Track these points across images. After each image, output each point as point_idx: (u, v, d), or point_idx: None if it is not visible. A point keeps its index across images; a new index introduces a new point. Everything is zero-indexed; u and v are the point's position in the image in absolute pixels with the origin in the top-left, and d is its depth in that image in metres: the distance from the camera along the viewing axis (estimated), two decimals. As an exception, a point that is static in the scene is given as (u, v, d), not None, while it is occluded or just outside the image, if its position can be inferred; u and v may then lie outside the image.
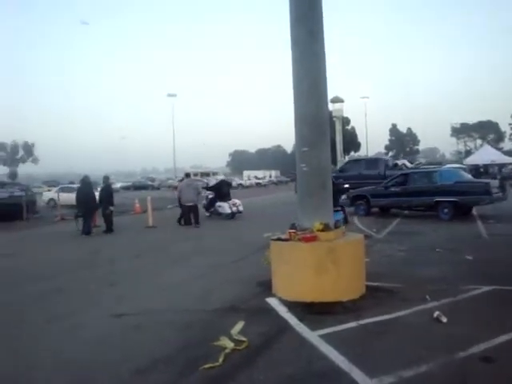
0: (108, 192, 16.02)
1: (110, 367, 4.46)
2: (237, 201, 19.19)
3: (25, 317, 6.24)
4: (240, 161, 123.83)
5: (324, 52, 6.88)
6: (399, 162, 25.72)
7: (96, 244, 13.24)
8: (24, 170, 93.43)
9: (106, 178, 17.01)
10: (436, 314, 5.33)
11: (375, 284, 6.76)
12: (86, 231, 14.85)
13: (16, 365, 4.63)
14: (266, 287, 6.77)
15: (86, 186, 15.74)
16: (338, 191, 14.71)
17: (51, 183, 69.74)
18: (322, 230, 6.36)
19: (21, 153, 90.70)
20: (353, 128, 69.78)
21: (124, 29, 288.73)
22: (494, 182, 17.02)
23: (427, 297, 6.11)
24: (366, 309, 5.77)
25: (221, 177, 69.71)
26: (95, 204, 15.43)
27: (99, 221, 16.12)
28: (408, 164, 25.61)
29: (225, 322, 5.47)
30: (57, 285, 8.03)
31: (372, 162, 23.74)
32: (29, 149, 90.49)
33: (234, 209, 18.50)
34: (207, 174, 65.27)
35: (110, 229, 15.45)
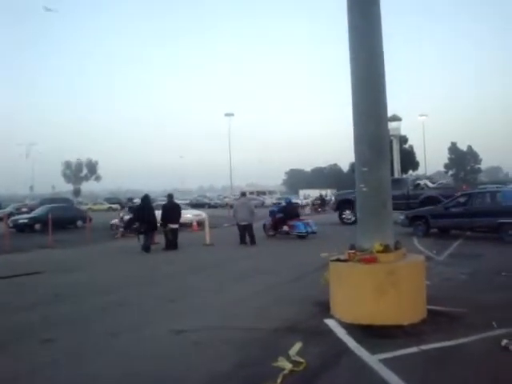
0: (170, 209, 16.43)
1: (170, 382, 4.54)
2: (310, 221, 19.33)
3: (88, 329, 6.45)
4: (296, 179, 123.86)
5: (384, 71, 6.87)
6: (421, 182, 25.44)
7: (156, 260, 13.57)
8: (87, 187, 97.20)
9: (170, 196, 17.46)
10: (504, 342, 5.10)
11: (437, 308, 6.56)
12: (146, 247, 15.25)
13: (80, 376, 4.78)
14: (324, 308, 6.72)
15: (146, 203, 16.22)
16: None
17: (112, 200, 72.40)
18: (382, 252, 6.27)
19: (84, 171, 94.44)
20: (411, 147, 68.30)
21: (185, 51, 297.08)
22: None
23: (494, 324, 5.86)
24: (428, 334, 5.60)
25: (277, 195, 69.89)
26: (155, 221, 15.85)
27: (158, 238, 16.50)
28: (429, 184, 25.28)
29: (282, 342, 5.44)
30: (118, 299, 8.28)
31: (396, 182, 23.42)
32: (92, 167, 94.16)
33: (309, 229, 18.49)
34: (263, 193, 65.61)
35: (170, 245, 15.81)
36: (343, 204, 25.56)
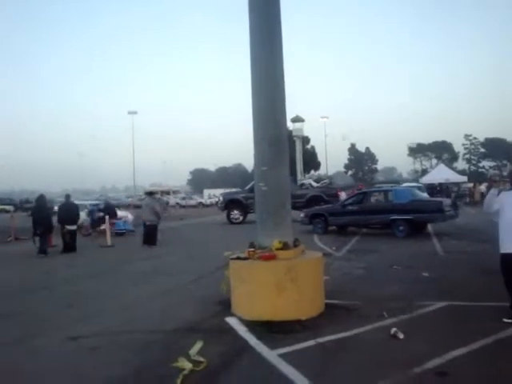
0: (67, 210, 15.68)
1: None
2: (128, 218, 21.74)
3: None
4: (200, 179, 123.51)
5: (283, 72, 7.03)
6: (305, 182, 26.58)
7: (53, 264, 12.88)
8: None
9: (68, 197, 16.70)
10: (393, 330, 5.43)
11: (334, 302, 6.84)
12: (42, 250, 14.45)
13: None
14: (226, 307, 6.75)
15: (41, 204, 15.38)
16: None
17: (5, 201, 67.74)
18: (281, 249, 6.41)
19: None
20: (313, 147, 70.65)
21: (88, 43, 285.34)
22: (447, 201, 17.62)
23: (384, 314, 6.22)
24: (325, 327, 5.82)
25: (181, 195, 69.31)
26: (50, 223, 15.06)
27: (56, 240, 15.72)
28: (314, 183, 26.51)
29: (183, 343, 5.40)
30: (9, 307, 7.75)
31: None
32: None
33: (127, 227, 20.84)
34: (167, 193, 64.76)
35: (68, 248, 15.09)
36: (231, 204, 25.76)
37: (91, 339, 5.80)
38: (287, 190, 7.09)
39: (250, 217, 24.72)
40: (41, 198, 15.64)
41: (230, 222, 25.13)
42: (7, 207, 58.82)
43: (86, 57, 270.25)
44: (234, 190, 35.31)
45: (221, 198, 27.54)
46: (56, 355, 5.35)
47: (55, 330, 6.28)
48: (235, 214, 25.22)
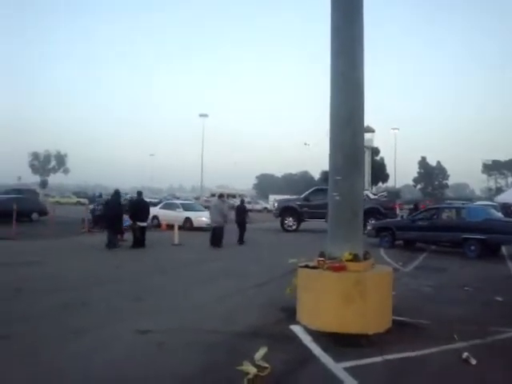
0: (139, 207, 16.26)
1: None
2: None
3: (48, 327, 6.29)
4: (266, 184, 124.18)
5: (363, 81, 6.93)
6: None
7: (122, 258, 13.38)
8: (55, 179, 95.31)
9: (139, 194, 17.30)
10: (465, 355, 5.19)
11: (402, 319, 6.64)
12: (112, 244, 15.03)
13: (35, 374, 4.65)
14: (291, 314, 6.72)
15: (115, 199, 16.02)
16: None
17: (81, 194, 71.13)
18: (351, 260, 6.31)
19: (53, 163, 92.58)
20: (382, 159, 69.27)
21: (161, 45, 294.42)
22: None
23: (455, 336, 5.97)
24: (392, 344, 5.67)
25: (247, 199, 69.85)
26: (121, 218, 15.65)
27: (127, 235, 16.30)
28: (371, 195, 25.71)
29: (247, 347, 5.42)
30: (81, 296, 8.10)
31: None
32: (61, 159, 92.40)
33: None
34: (233, 196, 65.41)
35: (137, 243, 15.61)
36: (285, 211, 25.46)
37: (159, 334, 5.95)
38: (360, 200, 6.98)
39: (303, 225, 24.59)
40: (116, 194, 16.28)
41: (284, 229, 24.86)
42: (82, 200, 61.81)
43: (162, 59, 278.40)
44: (289, 197, 35.01)
45: (275, 205, 27.48)
46: (125, 347, 5.53)
47: (124, 323, 6.48)
48: (289, 221, 24.98)
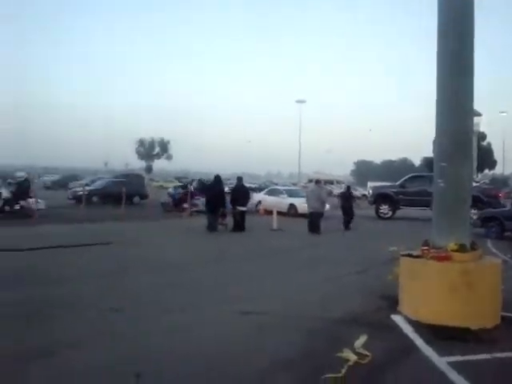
0: (239, 192, 16.66)
1: (233, 365, 4.57)
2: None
3: (153, 303, 6.65)
4: (365, 170, 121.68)
5: (473, 61, 6.50)
6: None
7: (223, 241, 13.83)
8: (158, 165, 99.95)
9: (240, 179, 17.70)
10: None
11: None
12: (212, 227, 15.56)
13: (142, 347, 4.94)
14: (391, 303, 6.57)
15: (217, 184, 16.52)
16: None
17: (182, 179, 74.08)
18: (457, 251, 6.01)
19: (157, 149, 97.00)
20: (489, 144, 65.01)
21: (257, 33, 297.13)
22: None
23: None
24: (501, 341, 5.33)
25: (345, 185, 68.88)
26: (224, 202, 16.11)
27: (227, 219, 16.78)
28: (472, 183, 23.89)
29: (347, 334, 5.39)
30: (185, 276, 8.49)
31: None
32: (164, 146, 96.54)
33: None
34: (331, 182, 64.74)
35: (237, 227, 16.02)
36: (380, 198, 24.58)
37: (259, 316, 6.09)
38: (468, 188, 6.61)
39: (398, 213, 23.76)
40: (217, 178, 16.78)
41: (379, 216, 24.06)
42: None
43: (261, 45, 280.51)
44: (384, 183, 33.90)
45: (370, 192, 26.79)
46: (226, 326, 5.72)
47: (226, 303, 6.70)
48: (384, 208, 24.08)
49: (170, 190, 25.54)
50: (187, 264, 9.80)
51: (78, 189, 28.92)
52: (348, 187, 21.06)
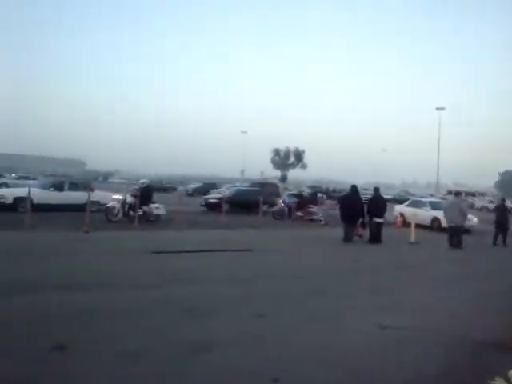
0: (376, 203, 16.37)
1: (374, 375, 4.57)
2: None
3: (292, 310, 6.78)
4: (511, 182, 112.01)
5: None
6: None
7: (358, 252, 13.69)
8: (293, 174, 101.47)
9: (377, 190, 17.43)
10: None
11: None
12: (347, 238, 15.43)
13: (284, 354, 5.03)
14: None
15: (353, 194, 16.37)
16: None
17: (316, 188, 74.55)
18: None
19: (292, 158, 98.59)
20: None
21: (396, 41, 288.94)
22: None
23: None
24: None
25: (488, 198, 64.17)
26: (361, 213, 15.90)
27: (362, 230, 16.51)
28: None
29: (492, 359, 5.07)
30: (321, 285, 8.58)
31: None
32: (299, 155, 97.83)
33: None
34: (473, 194, 60.59)
35: (374, 239, 15.75)
36: None
37: (397, 331, 5.96)
38: None
39: None
40: (353, 188, 16.62)
41: None
42: (318, 194, 64.57)
43: (398, 52, 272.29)
44: None
45: None
46: (365, 339, 5.67)
47: (363, 315, 6.68)
48: None
49: (285, 198, 25.71)
50: (325, 273, 9.94)
51: (210, 196, 30.43)
52: (503, 200, 19.62)
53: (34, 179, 34.92)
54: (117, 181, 64.04)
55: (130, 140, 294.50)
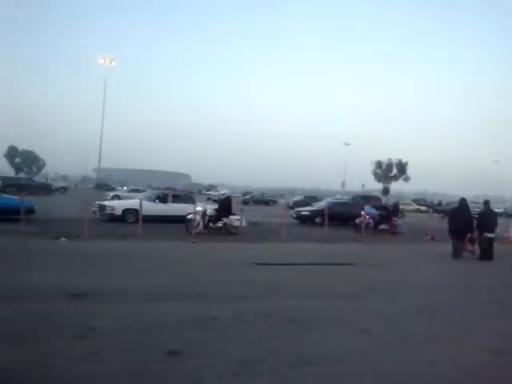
0: (486, 217, 15.45)
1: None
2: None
3: (402, 327, 6.59)
4: None
5: None
6: None
7: (469, 269, 13.02)
8: (395, 186, 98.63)
9: (487, 203, 16.41)
10: None
11: None
12: (456, 254, 14.72)
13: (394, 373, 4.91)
14: None
15: (462, 208, 15.60)
16: None
17: (419, 201, 71.94)
18: None
19: (394, 171, 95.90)
20: None
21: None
22: None
23: None
24: None
25: None
26: (470, 228, 15.09)
27: (472, 246, 15.62)
28: None
29: None
30: (432, 302, 8.24)
31: None
32: (402, 167, 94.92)
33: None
34: None
35: (484, 255, 14.83)
36: None
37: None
38: None
39: None
40: (462, 202, 15.83)
41: None
42: (422, 207, 62.43)
43: None
44: None
45: None
46: (476, 363, 5.34)
47: (476, 338, 6.31)
48: None
49: (369, 210, 24.79)
50: (434, 290, 9.53)
51: (301, 208, 30.26)
52: None
53: (143, 191, 37.09)
54: (213, 193, 66.40)
55: (233, 154, 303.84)
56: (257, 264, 11.09)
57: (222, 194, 20.51)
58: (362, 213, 23.80)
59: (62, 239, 13.74)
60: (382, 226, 23.29)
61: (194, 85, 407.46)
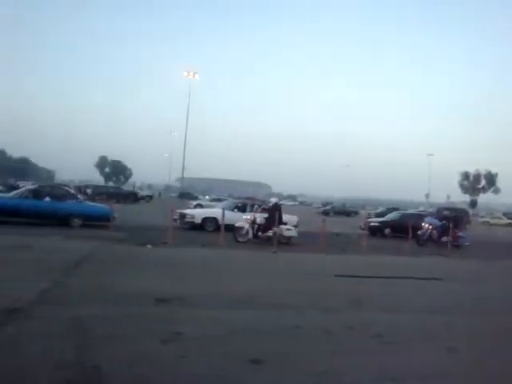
0: None
1: None
2: None
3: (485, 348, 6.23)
4: None
5: None
6: None
7: None
8: (483, 199, 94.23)
9: None
10: None
11: None
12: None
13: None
14: None
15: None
16: None
17: (510, 215, 67.80)
18: None
19: (483, 182, 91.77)
20: None
21: None
22: None
23: None
24: None
25: None
26: None
27: None
28: None
29: None
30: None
31: None
32: (491, 178, 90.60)
33: None
34: None
35: None
36: None
37: None
38: None
39: None
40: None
41: None
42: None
43: None
44: None
45: None
46: None
47: None
48: None
49: (431, 221, 23.56)
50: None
51: (372, 219, 29.41)
52: None
53: (224, 201, 37.77)
54: (289, 203, 66.07)
55: (314, 164, 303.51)
56: (337, 276, 10.95)
57: (269, 202, 19.72)
58: (424, 224, 22.88)
59: (148, 246, 14.32)
60: (444, 238, 22.01)
61: (274, 95, 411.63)
